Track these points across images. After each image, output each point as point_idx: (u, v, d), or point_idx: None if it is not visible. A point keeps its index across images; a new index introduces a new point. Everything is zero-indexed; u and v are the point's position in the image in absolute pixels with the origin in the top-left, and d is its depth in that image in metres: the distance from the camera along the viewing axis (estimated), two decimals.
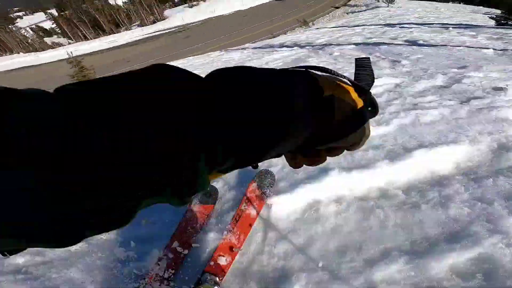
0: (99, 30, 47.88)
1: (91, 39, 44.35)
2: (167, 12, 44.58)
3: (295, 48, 6.12)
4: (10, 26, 63.60)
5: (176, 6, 49.79)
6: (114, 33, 44.25)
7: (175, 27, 36.98)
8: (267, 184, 1.39)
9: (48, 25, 64.63)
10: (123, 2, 49.86)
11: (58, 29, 53.52)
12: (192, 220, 1.30)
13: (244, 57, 6.29)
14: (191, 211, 1.33)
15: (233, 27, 28.93)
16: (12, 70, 32.67)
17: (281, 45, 7.11)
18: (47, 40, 61.49)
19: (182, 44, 27.42)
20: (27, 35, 60.13)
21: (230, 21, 33.48)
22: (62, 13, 52.56)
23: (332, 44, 5.75)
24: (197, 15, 38.96)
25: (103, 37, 42.14)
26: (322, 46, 5.78)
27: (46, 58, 35.16)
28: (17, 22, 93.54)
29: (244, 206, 1.31)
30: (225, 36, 25.80)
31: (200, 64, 6.61)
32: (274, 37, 15.45)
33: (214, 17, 37.38)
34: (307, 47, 6.03)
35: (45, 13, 64.33)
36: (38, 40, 59.76)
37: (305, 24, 16.51)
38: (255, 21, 29.44)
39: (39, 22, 70.78)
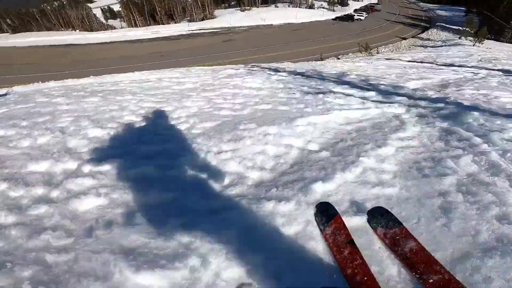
0: (150, 20, 48.21)
1: (140, 26, 44.57)
2: (217, 12, 43.45)
3: (372, 96, 2.93)
4: (86, 4, 67.42)
5: (229, 7, 48.84)
6: (163, 24, 44.07)
7: (220, 28, 35.38)
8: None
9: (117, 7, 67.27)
10: None
11: (123, 14, 55.19)
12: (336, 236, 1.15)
13: (265, 93, 3.19)
14: (329, 234, 1.16)
15: (279, 39, 26.49)
16: (51, 46, 33.16)
17: (340, 80, 3.93)
18: (111, 22, 64.23)
19: (221, 47, 25.44)
20: (96, 15, 62.86)
21: (278, 32, 31.01)
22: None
23: (464, 105, 2.47)
24: (246, 20, 37.08)
25: (150, 27, 41.99)
26: (440, 104, 2.52)
27: (90, 38, 35.35)
28: (95, 1, 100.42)
29: None
30: (268, 47, 23.33)
31: (180, 91, 3.57)
32: (322, 59, 12.38)
33: (263, 25, 35.19)
34: (403, 98, 2.80)
35: None
36: (97, 20, 62.43)
37: (366, 50, 13.14)
38: (305, 37, 26.70)
39: (113, 4, 74.40)
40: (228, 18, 37.52)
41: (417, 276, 0.92)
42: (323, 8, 43.97)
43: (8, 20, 59.18)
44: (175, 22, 44.39)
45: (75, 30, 46.25)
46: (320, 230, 1.17)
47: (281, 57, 17.49)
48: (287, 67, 6.33)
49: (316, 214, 1.24)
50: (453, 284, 0.85)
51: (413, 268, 0.95)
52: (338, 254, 1.05)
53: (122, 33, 40.15)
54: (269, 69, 5.67)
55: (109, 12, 79.80)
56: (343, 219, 1.15)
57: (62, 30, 49.64)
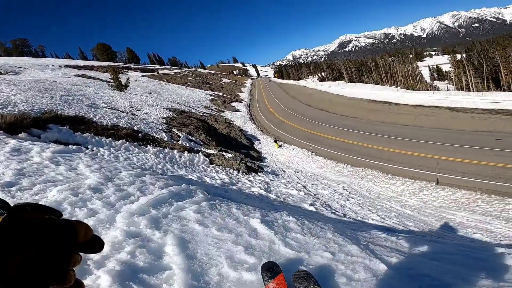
0: (491, 83, 37.60)
1: (473, 90, 35.91)
2: None
3: None
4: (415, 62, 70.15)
5: None
6: (510, 91, 32.15)
7: None
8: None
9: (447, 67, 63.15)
10: None
11: (452, 74, 49.52)
12: None
13: None
14: None
15: None
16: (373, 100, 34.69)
17: None
18: (436, 83, 61.12)
19: None
20: (422, 74, 62.95)
21: None
22: (465, 58, 47.53)
23: None
24: None
25: (488, 93, 32.12)
26: None
27: (407, 98, 33.27)
28: (425, 60, 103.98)
29: None
30: None
31: None
32: None
33: None
34: None
35: (450, 55, 62.69)
36: (421, 79, 61.09)
37: None
38: None
39: (444, 64, 71.29)
40: None
41: None
42: None
43: (348, 69, 74.92)
44: None
45: (397, 87, 47.37)
46: (264, 284, 1.46)
47: None
48: None
49: (262, 270, 1.53)
50: None
51: None
52: None
53: (444, 96, 34.22)
54: None
55: (436, 72, 75.29)
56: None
57: (385, 85, 53.27)
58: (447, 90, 40.79)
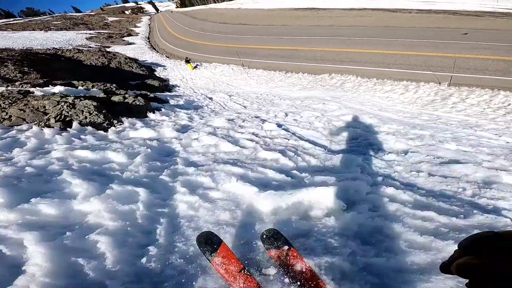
0: None
1: None
2: None
3: None
4: None
5: None
6: None
7: None
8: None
9: None
10: None
11: None
12: None
13: None
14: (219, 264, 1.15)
15: None
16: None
17: None
18: None
19: None
20: None
21: None
22: None
23: None
24: None
25: None
26: None
27: (331, 3, 28.49)
28: None
29: None
30: None
31: None
32: None
33: None
34: None
35: None
36: None
37: None
38: None
39: None
40: None
41: None
42: None
43: None
44: None
45: None
46: (209, 261, 1.16)
47: None
48: None
49: (199, 245, 1.20)
50: None
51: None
52: (234, 285, 1.07)
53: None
54: None
55: None
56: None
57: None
58: None
